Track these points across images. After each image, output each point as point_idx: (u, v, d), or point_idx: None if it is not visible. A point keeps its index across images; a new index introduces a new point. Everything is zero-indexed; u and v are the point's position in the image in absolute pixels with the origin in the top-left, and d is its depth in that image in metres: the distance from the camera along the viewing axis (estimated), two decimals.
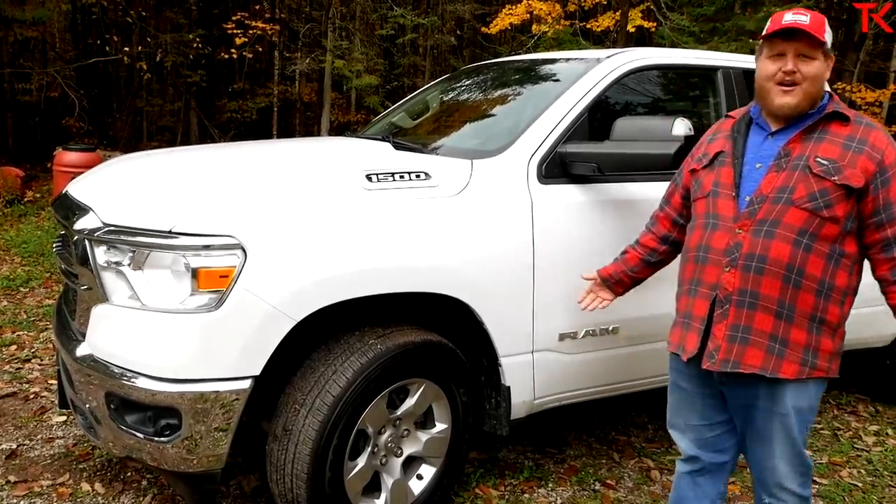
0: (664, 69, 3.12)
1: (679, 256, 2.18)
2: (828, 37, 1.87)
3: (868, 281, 3.02)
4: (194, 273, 2.03)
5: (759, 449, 1.99)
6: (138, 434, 2.16)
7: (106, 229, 2.15)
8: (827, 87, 1.96)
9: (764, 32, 1.92)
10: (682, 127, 2.37)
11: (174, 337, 2.06)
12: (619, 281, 2.38)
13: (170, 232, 2.05)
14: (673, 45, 11.53)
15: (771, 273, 1.85)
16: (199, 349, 2.05)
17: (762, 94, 1.94)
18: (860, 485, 3.07)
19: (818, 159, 1.83)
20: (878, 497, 2.97)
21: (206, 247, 2.03)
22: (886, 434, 3.61)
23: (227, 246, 2.03)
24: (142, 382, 2.08)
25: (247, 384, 2.09)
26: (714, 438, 2.09)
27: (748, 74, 3.24)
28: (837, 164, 1.81)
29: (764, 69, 1.92)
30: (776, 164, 1.89)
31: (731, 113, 2.15)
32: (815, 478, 3.10)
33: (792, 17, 1.85)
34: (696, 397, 2.07)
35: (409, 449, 2.48)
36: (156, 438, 2.14)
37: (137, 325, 2.10)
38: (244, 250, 2.03)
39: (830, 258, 1.85)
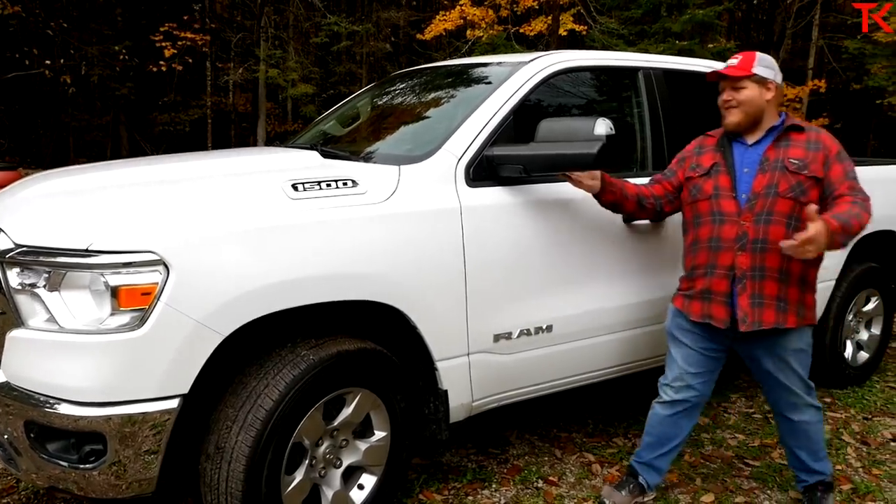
0: (587, 71, 3.18)
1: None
2: (760, 69, 2.51)
3: None
4: (114, 291, 1.97)
5: (779, 384, 2.59)
6: (62, 463, 2.08)
7: (18, 250, 2.06)
8: None
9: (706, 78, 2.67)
10: (603, 126, 2.42)
11: (96, 359, 1.99)
12: (611, 185, 2.66)
13: (86, 250, 1.98)
14: (604, 48, 11.80)
15: (772, 250, 2.42)
16: (123, 370, 1.99)
17: (722, 118, 2.61)
18: None
19: (791, 160, 2.46)
20: None
21: (126, 264, 1.97)
22: None
23: (147, 262, 1.98)
24: (64, 408, 2.00)
25: (175, 403, 2.04)
26: (698, 384, 2.67)
27: (668, 74, 3.34)
28: (805, 161, 2.45)
29: (718, 100, 2.61)
30: (760, 168, 2.49)
31: (709, 133, 2.74)
32: (746, 459, 3.21)
33: (726, 64, 2.60)
34: (694, 352, 2.65)
35: (348, 459, 2.45)
36: (81, 466, 2.06)
37: (56, 349, 2.02)
38: (166, 266, 1.98)
39: None
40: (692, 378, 2.66)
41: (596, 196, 2.67)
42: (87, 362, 1.99)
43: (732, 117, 2.54)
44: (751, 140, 2.56)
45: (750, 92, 2.52)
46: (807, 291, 2.54)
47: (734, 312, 2.51)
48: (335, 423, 2.37)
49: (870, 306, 4.17)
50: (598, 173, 2.61)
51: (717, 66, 3.62)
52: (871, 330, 4.25)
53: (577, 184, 2.64)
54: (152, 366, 2.00)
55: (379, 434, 2.49)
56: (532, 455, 3.21)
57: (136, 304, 1.97)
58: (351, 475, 2.49)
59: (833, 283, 3.81)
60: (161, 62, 13.09)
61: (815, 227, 2.16)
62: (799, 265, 2.45)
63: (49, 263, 2.02)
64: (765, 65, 2.54)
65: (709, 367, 2.67)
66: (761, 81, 2.52)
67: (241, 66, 14.99)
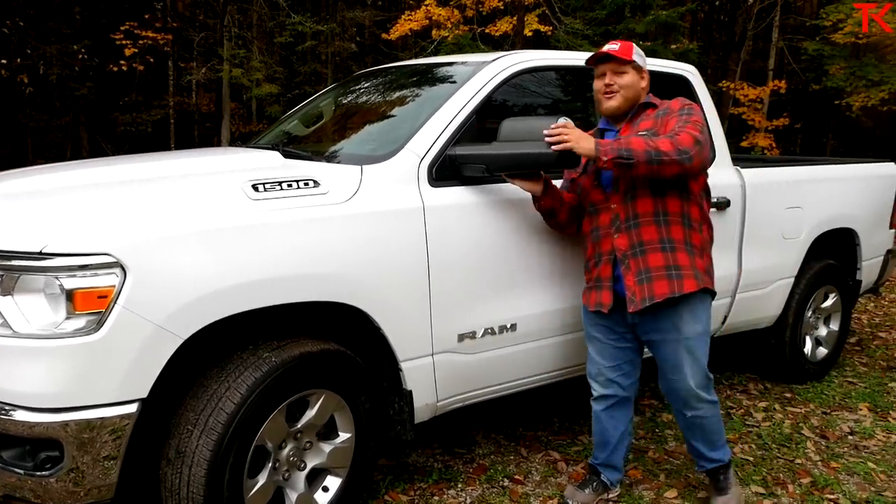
0: (550, 70, 3.19)
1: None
2: (637, 58, 2.58)
3: (750, 268, 3.26)
4: (70, 295, 1.92)
5: (674, 374, 2.57)
6: (17, 470, 2.03)
7: None
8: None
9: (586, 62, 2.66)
10: None
11: (51, 364, 1.94)
12: (552, 190, 2.65)
13: (40, 253, 1.94)
14: (569, 48, 11.89)
15: (645, 223, 2.48)
16: (80, 375, 1.95)
17: (597, 103, 2.66)
18: (751, 459, 3.25)
19: (640, 132, 2.48)
20: (767, 469, 3.15)
21: (82, 267, 1.93)
22: (774, 409, 3.84)
23: (104, 265, 1.94)
24: (19, 415, 1.95)
25: (134, 408, 2.00)
26: (618, 377, 2.69)
27: None
28: (654, 130, 2.48)
29: (595, 86, 2.64)
30: None
31: (587, 133, 2.65)
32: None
33: (606, 47, 2.59)
34: (606, 345, 2.68)
35: (312, 461, 2.44)
36: (37, 473, 2.01)
37: (10, 354, 1.97)
38: (123, 268, 1.94)
39: (681, 195, 2.50)
40: (610, 372, 2.69)
41: (535, 199, 2.64)
42: (42, 367, 1.95)
43: (612, 101, 2.57)
44: (617, 126, 2.63)
45: (630, 78, 2.57)
46: (696, 255, 2.52)
47: (619, 296, 2.54)
48: (299, 426, 2.36)
49: (828, 303, 4.28)
50: (540, 175, 2.60)
51: (685, 66, 3.67)
52: (830, 326, 4.36)
53: (519, 185, 2.60)
54: (110, 370, 1.96)
55: (343, 435, 2.48)
56: (498, 454, 3.22)
57: (93, 307, 1.93)
58: (315, 477, 2.47)
59: (792, 280, 3.89)
60: (122, 62, 12.84)
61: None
62: (680, 230, 2.49)
63: (1, 266, 1.97)
64: (639, 54, 2.61)
65: (623, 358, 2.68)
66: (638, 69, 2.59)
67: (204, 66, 14.77)
